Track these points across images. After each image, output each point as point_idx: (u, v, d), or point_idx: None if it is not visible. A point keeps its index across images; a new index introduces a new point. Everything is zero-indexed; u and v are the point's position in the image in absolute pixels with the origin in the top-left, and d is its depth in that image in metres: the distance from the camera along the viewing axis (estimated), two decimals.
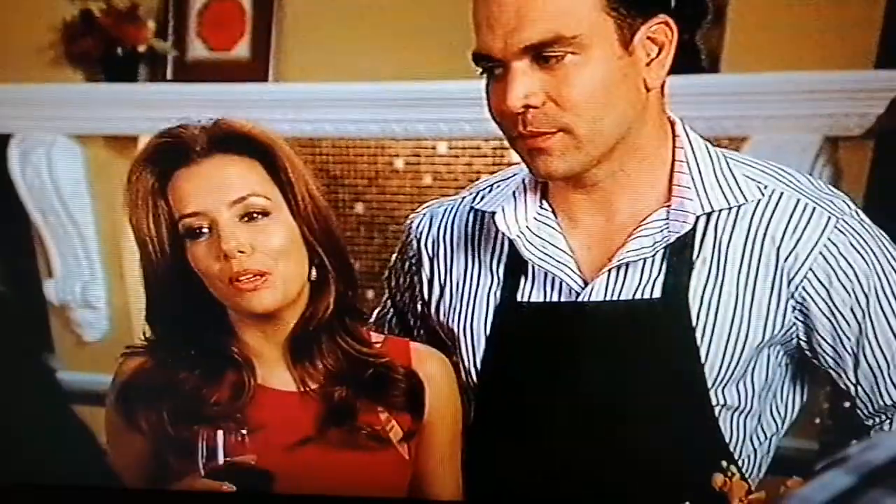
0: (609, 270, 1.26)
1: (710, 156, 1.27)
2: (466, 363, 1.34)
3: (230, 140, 1.26)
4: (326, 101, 2.62)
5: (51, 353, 3.12)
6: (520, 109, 1.19)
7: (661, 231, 1.25)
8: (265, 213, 1.25)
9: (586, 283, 1.28)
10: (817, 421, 2.30)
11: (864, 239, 1.25)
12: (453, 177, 2.80)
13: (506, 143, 1.26)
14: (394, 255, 1.45)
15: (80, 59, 2.87)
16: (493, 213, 1.31)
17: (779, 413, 1.35)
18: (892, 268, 1.25)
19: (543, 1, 1.16)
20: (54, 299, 3.05)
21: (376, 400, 1.29)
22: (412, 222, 1.42)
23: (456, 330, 1.35)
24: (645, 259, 1.25)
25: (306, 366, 1.29)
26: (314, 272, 1.28)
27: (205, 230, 1.24)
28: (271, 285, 1.24)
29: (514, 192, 1.31)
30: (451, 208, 1.39)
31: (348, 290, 1.31)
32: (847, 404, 1.32)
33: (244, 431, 1.24)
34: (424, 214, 1.42)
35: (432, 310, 1.39)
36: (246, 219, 1.24)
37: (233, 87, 2.74)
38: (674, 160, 1.26)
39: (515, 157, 1.27)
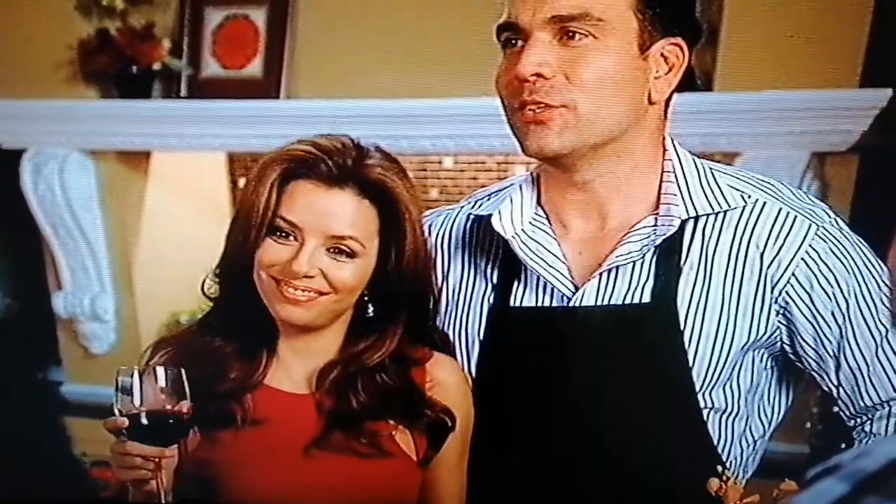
0: (599, 275, 1.28)
1: (696, 167, 1.30)
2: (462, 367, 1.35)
3: (368, 183, 1.24)
4: (335, 117, 2.61)
5: (58, 365, 3.14)
6: (530, 76, 1.21)
7: (650, 237, 1.27)
8: (352, 255, 1.24)
9: (577, 288, 1.30)
10: (808, 425, 2.33)
11: (843, 245, 1.27)
12: (458, 190, 2.80)
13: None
14: None
15: (96, 77, 2.89)
16: (490, 216, 1.33)
17: (766, 415, 1.36)
18: (871, 273, 1.28)
19: None
20: (62, 312, 3.07)
21: (398, 419, 1.27)
22: None
23: (452, 334, 1.35)
24: (634, 264, 1.27)
25: (331, 391, 1.27)
26: (370, 310, 1.28)
27: (291, 238, 1.24)
28: (313, 306, 1.24)
29: (510, 197, 1.33)
30: (449, 216, 1.41)
31: (413, 338, 1.29)
32: (837, 409, 1.33)
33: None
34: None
35: None
36: (333, 251, 1.24)
37: (245, 104, 2.76)
38: (663, 171, 1.29)
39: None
